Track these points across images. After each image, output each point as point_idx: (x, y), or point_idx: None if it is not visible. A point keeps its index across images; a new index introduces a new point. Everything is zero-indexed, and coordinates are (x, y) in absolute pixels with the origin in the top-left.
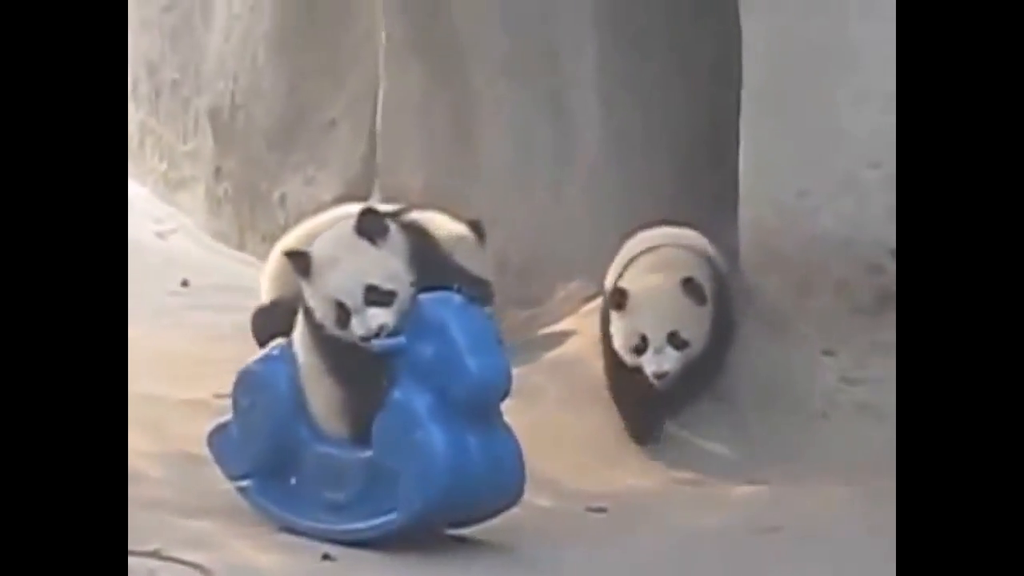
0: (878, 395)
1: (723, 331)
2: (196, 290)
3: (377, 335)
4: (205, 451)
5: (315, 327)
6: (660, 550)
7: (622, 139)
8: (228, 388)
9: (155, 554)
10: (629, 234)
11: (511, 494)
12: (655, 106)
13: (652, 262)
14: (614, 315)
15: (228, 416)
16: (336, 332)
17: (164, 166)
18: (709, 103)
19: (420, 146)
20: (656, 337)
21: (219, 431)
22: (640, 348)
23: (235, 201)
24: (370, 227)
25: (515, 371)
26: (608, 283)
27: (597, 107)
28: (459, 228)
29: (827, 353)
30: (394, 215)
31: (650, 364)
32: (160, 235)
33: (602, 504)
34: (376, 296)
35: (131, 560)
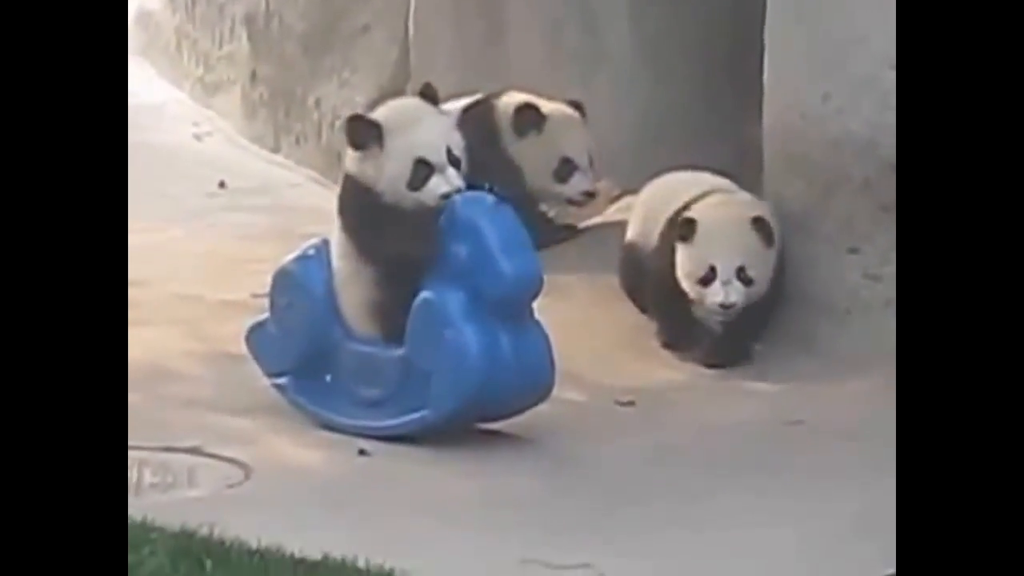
0: None
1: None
2: (233, 192)
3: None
4: (243, 350)
5: (372, 197)
6: (686, 442)
7: (649, 41)
8: (265, 288)
9: (195, 451)
10: (660, 173)
11: (541, 391)
12: (682, 8)
13: (720, 200)
14: (681, 246)
15: (266, 314)
16: (402, 197)
17: (200, 70)
18: (734, 6)
19: (451, 49)
20: (725, 269)
21: (256, 328)
22: (707, 279)
23: (270, 105)
24: (434, 97)
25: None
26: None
27: (625, 9)
28: (565, 108)
29: (851, 251)
30: (489, 98)
31: (716, 295)
32: (197, 137)
33: (630, 398)
34: (452, 159)
35: (171, 457)
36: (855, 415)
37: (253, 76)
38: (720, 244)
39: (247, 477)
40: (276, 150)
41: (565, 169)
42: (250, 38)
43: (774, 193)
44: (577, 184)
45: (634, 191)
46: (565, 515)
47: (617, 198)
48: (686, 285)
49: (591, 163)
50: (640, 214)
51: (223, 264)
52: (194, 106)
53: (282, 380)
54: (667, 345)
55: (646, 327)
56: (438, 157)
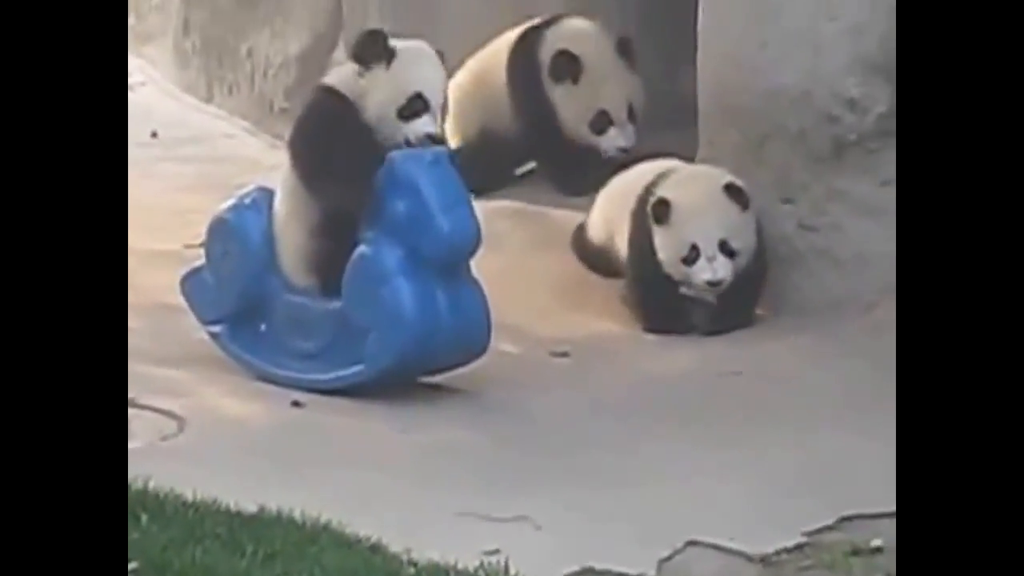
0: (835, 241)
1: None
2: (165, 142)
3: (434, 141)
4: (177, 301)
5: (348, 114)
6: (622, 394)
7: None
8: (198, 239)
9: (129, 402)
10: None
11: (477, 349)
12: None
13: (686, 175)
14: (657, 229)
15: (202, 262)
16: (386, 123)
17: (132, 19)
18: None
19: None
20: (708, 245)
21: (192, 276)
22: (690, 258)
23: (203, 54)
24: (441, 55)
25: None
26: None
27: None
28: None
29: (786, 201)
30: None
31: (703, 272)
32: (129, 88)
33: (565, 349)
34: (443, 108)
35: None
36: (791, 366)
37: (185, 25)
38: (698, 220)
39: (181, 429)
40: (209, 100)
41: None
42: None
43: (708, 143)
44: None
45: None
46: (502, 467)
47: None
48: (670, 268)
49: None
50: (600, 208)
51: (156, 214)
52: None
53: (216, 328)
54: (651, 330)
55: (581, 277)
56: (435, 99)
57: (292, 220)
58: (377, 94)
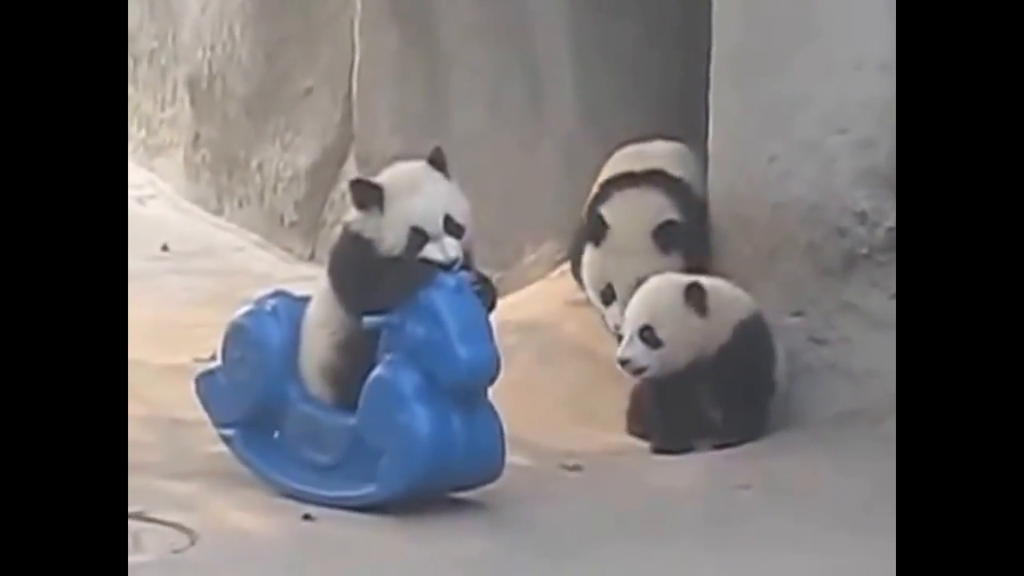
0: (845, 354)
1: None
2: (176, 255)
3: (452, 265)
4: (187, 415)
5: (375, 259)
6: (634, 507)
7: (594, 103)
8: (208, 353)
9: (139, 516)
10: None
11: (491, 475)
12: (627, 71)
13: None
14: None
15: (217, 363)
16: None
17: (143, 133)
18: (681, 69)
19: (395, 111)
20: (630, 327)
21: (206, 377)
22: (620, 338)
23: (213, 168)
24: (442, 162)
25: None
26: None
27: (569, 72)
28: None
29: (796, 314)
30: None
31: (618, 351)
32: (140, 200)
33: (578, 462)
34: (452, 227)
35: None
36: (800, 480)
37: (196, 139)
38: (631, 305)
39: (192, 542)
40: (219, 213)
41: None
42: (192, 101)
43: (720, 256)
44: None
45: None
46: None
47: (562, 262)
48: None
49: None
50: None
51: (166, 328)
52: (137, 169)
53: (229, 432)
54: (660, 451)
55: (591, 389)
56: (433, 227)
57: (321, 328)
58: (383, 237)
